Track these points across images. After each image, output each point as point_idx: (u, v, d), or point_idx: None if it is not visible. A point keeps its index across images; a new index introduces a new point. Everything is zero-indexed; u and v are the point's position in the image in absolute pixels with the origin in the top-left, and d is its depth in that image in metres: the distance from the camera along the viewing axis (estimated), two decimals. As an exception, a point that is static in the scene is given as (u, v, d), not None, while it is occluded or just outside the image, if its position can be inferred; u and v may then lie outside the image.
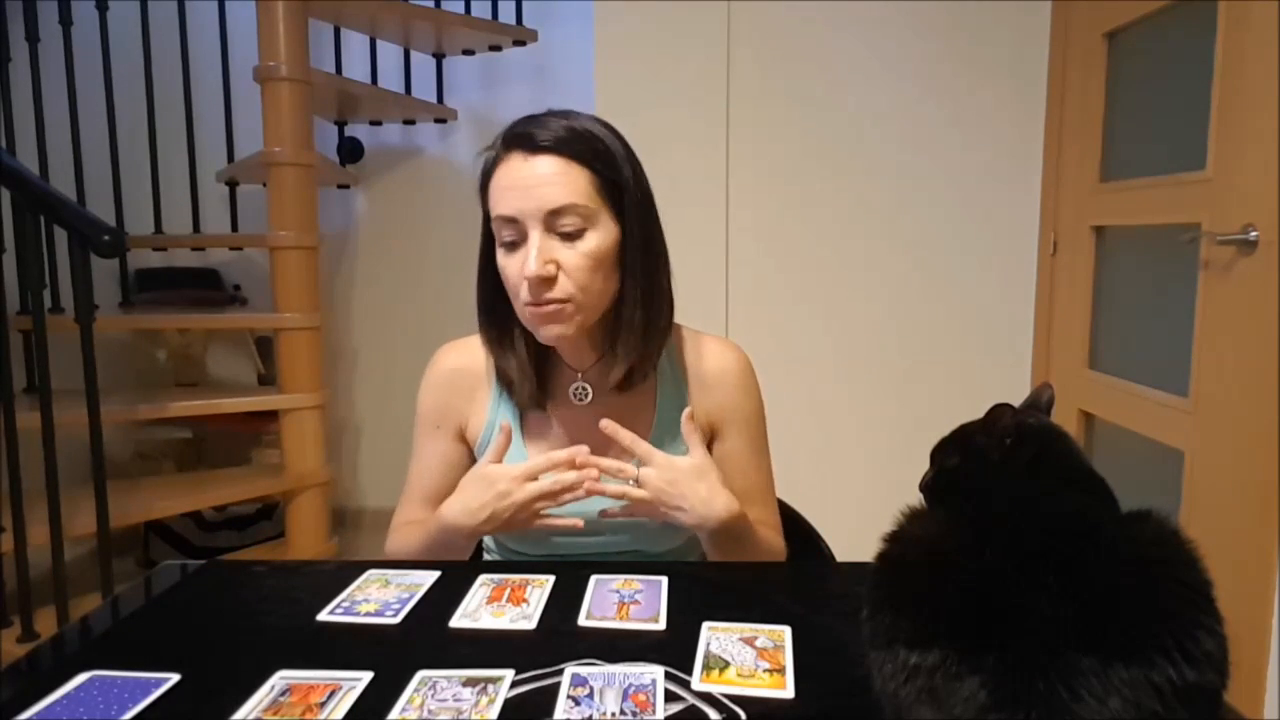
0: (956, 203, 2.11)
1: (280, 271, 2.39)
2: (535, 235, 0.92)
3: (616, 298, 0.98)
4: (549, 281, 0.92)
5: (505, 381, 1.03)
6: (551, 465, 0.93)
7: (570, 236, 0.93)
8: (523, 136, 0.93)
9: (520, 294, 0.94)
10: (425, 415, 1.08)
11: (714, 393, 1.06)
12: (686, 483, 0.93)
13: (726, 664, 0.68)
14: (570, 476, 0.92)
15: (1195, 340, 1.51)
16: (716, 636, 0.72)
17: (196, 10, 2.69)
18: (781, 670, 0.67)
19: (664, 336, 1.02)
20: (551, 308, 0.93)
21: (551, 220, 0.92)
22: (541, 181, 0.91)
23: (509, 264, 0.94)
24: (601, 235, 0.94)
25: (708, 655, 0.69)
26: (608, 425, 0.95)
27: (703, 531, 0.96)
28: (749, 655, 0.69)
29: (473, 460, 1.08)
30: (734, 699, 0.63)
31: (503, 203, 0.93)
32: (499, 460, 0.95)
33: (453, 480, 1.09)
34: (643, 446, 0.94)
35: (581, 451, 0.93)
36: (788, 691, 0.64)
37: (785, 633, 0.73)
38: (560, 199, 0.91)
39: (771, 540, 1.06)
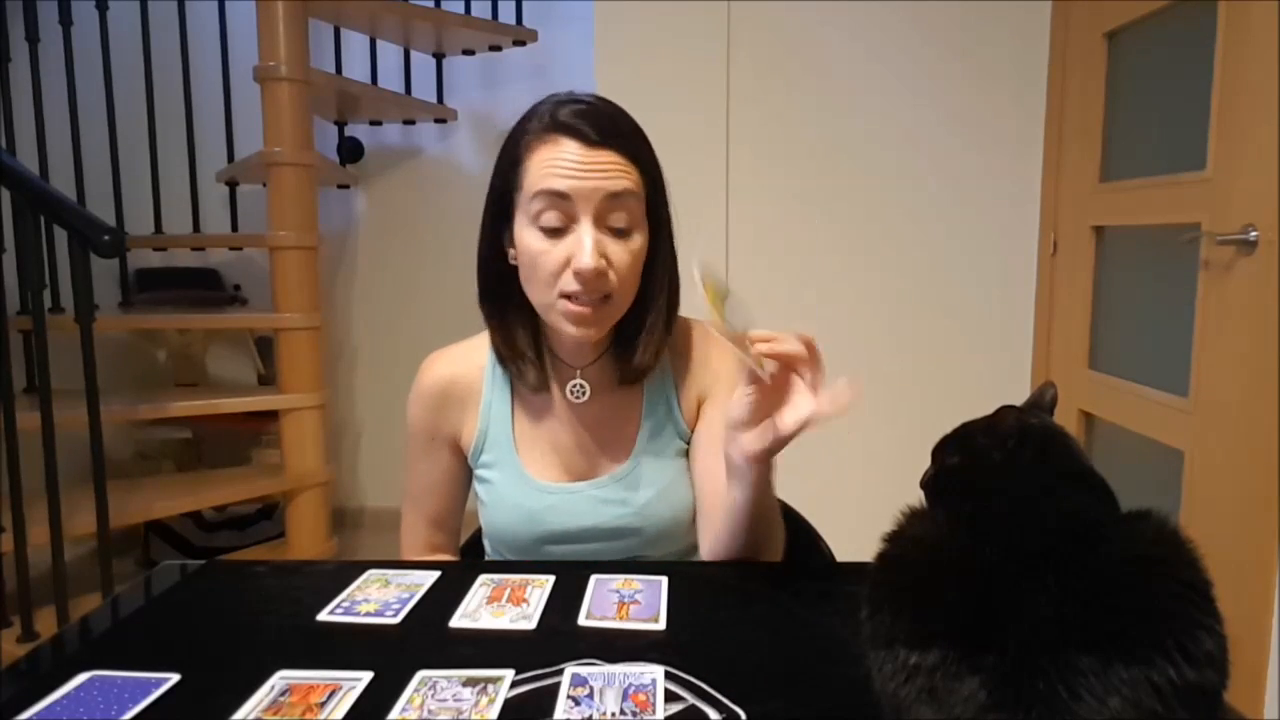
0: (956, 203, 2.11)
1: (280, 271, 2.39)
2: (587, 224, 0.87)
3: (635, 303, 0.96)
4: (602, 276, 0.88)
5: (509, 365, 1.00)
6: None
7: (619, 233, 0.90)
8: (577, 128, 0.88)
9: (558, 285, 0.89)
10: (418, 430, 1.05)
11: (697, 372, 1.05)
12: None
13: None
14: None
15: (1195, 340, 1.51)
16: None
17: (196, 10, 2.69)
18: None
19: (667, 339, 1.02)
20: (594, 307, 0.89)
21: (605, 209, 0.88)
22: (603, 166, 0.88)
23: (548, 251, 0.88)
24: (643, 237, 0.92)
25: None
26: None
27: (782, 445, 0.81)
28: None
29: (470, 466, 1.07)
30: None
31: (553, 178, 0.87)
32: None
33: (457, 492, 1.08)
34: None
35: None
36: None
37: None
38: (621, 185, 0.88)
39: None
